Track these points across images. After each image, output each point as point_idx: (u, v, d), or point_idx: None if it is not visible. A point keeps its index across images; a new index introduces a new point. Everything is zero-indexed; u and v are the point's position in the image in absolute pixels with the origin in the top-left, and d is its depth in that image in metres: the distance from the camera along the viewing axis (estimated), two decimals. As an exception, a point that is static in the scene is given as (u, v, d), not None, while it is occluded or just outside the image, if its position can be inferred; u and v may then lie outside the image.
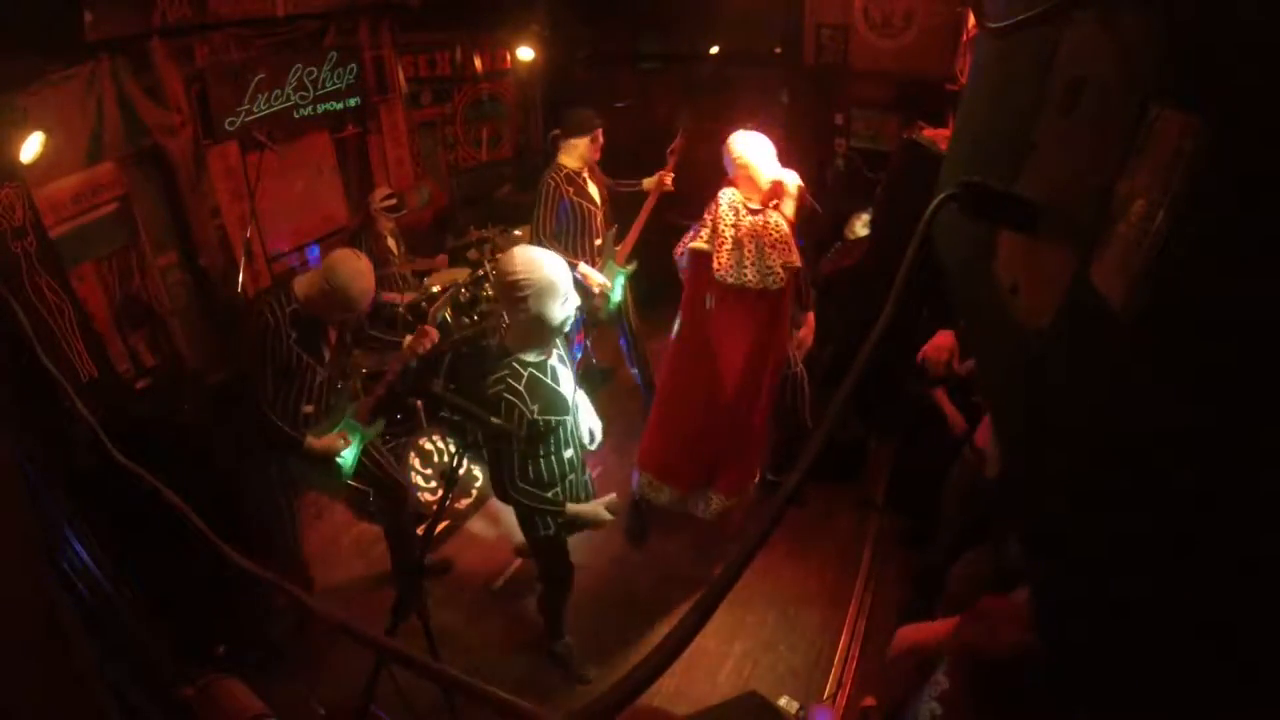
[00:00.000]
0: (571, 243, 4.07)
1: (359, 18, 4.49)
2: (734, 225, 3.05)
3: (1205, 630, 0.56)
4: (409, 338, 3.04)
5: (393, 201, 4.15)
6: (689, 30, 5.47)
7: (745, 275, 3.05)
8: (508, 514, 3.89)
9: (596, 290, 4.09)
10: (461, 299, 4.21)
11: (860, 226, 4.61)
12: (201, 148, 3.75)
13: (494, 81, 5.71)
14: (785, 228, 3.06)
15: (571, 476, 2.65)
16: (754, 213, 3.06)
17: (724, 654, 3.11)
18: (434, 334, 3.04)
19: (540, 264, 2.31)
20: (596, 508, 2.60)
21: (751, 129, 3.15)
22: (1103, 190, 0.71)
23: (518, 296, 2.29)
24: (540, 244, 3.85)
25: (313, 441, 2.85)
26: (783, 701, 2.86)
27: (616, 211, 4.36)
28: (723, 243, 3.05)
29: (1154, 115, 0.64)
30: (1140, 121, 0.65)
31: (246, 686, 1.49)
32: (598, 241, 4.17)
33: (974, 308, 1.20)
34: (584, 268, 4.04)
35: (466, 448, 2.68)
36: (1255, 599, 0.52)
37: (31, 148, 2.80)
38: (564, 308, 2.36)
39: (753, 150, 3.03)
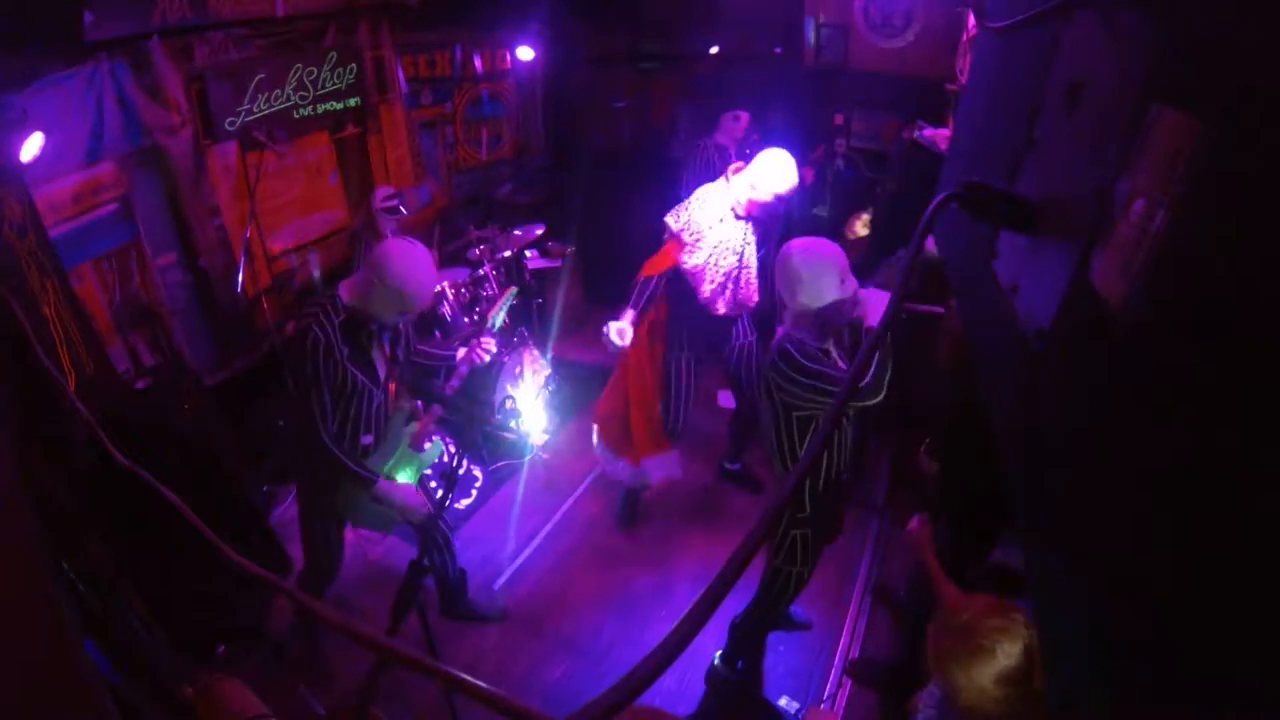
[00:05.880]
0: None
1: (359, 18, 4.49)
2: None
3: (1208, 638, 0.56)
4: (462, 350, 2.81)
5: (395, 202, 4.15)
6: (689, 30, 5.48)
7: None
8: (508, 514, 3.91)
9: None
10: (461, 298, 4.21)
11: (860, 226, 4.61)
12: (201, 148, 3.75)
13: (494, 81, 5.71)
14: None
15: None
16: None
17: (724, 654, 3.10)
18: (491, 344, 2.82)
19: (809, 248, 2.23)
20: None
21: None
22: (1103, 190, 0.71)
23: (789, 278, 2.22)
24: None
25: (388, 490, 2.51)
26: (783, 701, 2.86)
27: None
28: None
29: (1154, 115, 0.64)
30: (1140, 121, 0.65)
31: (246, 686, 1.49)
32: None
33: (974, 308, 1.20)
34: None
35: (466, 448, 2.65)
36: (1257, 601, 0.52)
37: (31, 148, 2.79)
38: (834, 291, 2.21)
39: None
